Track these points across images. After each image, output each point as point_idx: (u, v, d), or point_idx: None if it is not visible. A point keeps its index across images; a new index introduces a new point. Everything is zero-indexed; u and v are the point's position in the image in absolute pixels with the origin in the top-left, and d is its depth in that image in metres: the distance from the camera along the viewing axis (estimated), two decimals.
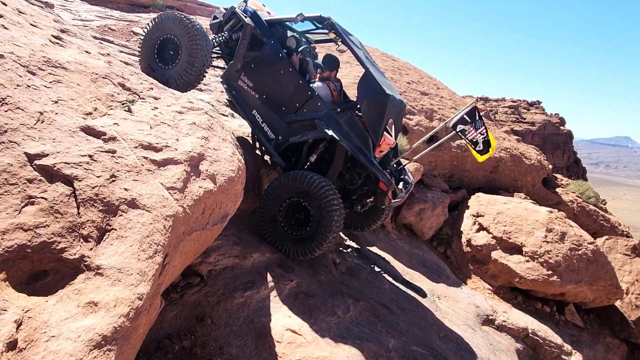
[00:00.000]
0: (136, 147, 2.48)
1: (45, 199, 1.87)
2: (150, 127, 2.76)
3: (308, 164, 4.97)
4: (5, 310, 1.52)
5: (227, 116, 6.52)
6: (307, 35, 5.88)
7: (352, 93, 5.72)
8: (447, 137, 5.49)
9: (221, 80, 5.35)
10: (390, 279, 5.77)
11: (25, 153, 1.95)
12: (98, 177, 2.10)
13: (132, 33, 9.66)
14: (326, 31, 5.20)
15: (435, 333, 5.03)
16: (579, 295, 7.86)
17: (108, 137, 2.38)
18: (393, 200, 4.87)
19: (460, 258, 8.20)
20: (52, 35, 3.04)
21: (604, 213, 10.97)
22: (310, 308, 4.08)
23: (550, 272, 7.46)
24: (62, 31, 3.33)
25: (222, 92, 7.20)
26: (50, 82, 2.47)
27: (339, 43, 5.40)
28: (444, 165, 9.67)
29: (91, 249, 1.87)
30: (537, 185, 10.86)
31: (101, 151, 2.25)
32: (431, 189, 8.81)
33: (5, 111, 2.04)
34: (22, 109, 2.12)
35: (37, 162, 1.96)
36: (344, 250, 5.78)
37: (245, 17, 5.06)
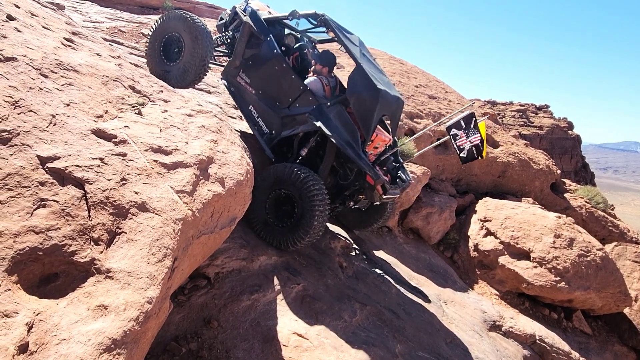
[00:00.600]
0: (146, 150, 2.49)
1: (57, 201, 1.88)
2: (160, 130, 2.77)
3: (300, 158, 5.01)
4: (17, 312, 1.53)
5: (235, 118, 6.54)
6: (309, 35, 5.93)
7: None
8: (447, 138, 5.55)
9: (221, 76, 5.50)
10: (396, 283, 5.75)
11: (38, 156, 1.97)
12: (109, 180, 2.11)
13: (141, 35, 9.72)
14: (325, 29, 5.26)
15: (442, 338, 5.00)
16: (587, 302, 7.78)
17: (119, 140, 2.39)
18: (384, 196, 4.85)
19: (467, 263, 8.15)
20: (64, 38, 3.06)
21: (612, 219, 10.86)
22: (317, 312, 4.07)
23: (558, 278, 7.39)
24: (74, 34, 3.36)
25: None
26: (62, 85, 2.49)
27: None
28: (451, 169, 9.63)
29: (101, 252, 1.88)
30: (546, 190, 10.78)
31: (112, 154, 2.26)
32: (438, 193, 8.78)
33: (18, 114, 2.06)
34: (35, 112, 2.14)
35: (49, 164, 1.97)
36: (351, 254, 5.77)
37: (244, 15, 5.20)
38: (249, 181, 3.32)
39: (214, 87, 7.49)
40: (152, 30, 5.22)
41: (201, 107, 3.57)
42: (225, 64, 5.51)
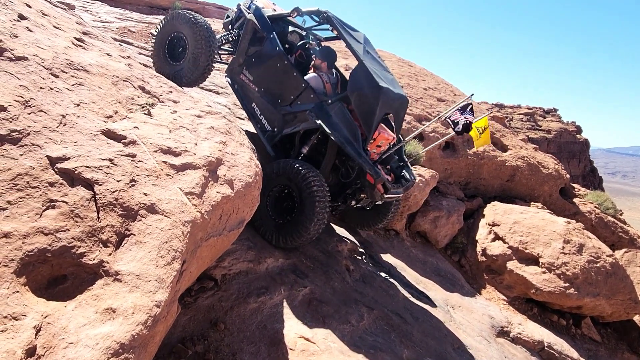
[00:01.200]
0: (155, 151, 2.47)
1: (66, 202, 1.87)
2: (170, 131, 2.75)
3: (301, 155, 5.00)
4: (25, 315, 1.51)
5: (243, 119, 6.52)
6: (315, 32, 5.91)
7: None
8: (452, 134, 5.59)
9: (225, 74, 5.52)
10: (403, 287, 5.70)
11: (47, 156, 1.95)
12: (118, 181, 2.09)
13: (151, 35, 9.75)
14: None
15: (449, 344, 4.95)
16: (597, 308, 7.67)
17: (128, 141, 2.38)
18: (386, 195, 4.80)
19: (474, 267, 8.08)
20: (75, 38, 3.06)
21: (622, 224, 10.73)
22: (324, 315, 4.04)
23: (567, 284, 7.30)
24: (84, 33, 3.36)
25: None
26: (73, 85, 2.48)
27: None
28: (459, 172, 9.56)
29: (110, 254, 1.86)
30: (555, 195, 10.67)
31: (121, 155, 2.25)
32: (446, 197, 8.71)
33: (29, 114, 2.05)
34: (45, 112, 2.13)
35: (58, 165, 1.96)
36: (358, 257, 5.73)
37: (248, 13, 5.23)
38: (257, 183, 3.29)
39: (222, 87, 7.49)
40: (156, 30, 5.29)
41: (210, 108, 3.55)
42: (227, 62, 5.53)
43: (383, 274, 5.72)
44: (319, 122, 4.65)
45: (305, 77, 5.00)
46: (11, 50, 2.28)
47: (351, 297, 4.61)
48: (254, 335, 3.43)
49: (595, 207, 10.74)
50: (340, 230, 6.12)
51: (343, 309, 4.28)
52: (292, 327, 3.68)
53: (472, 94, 5.75)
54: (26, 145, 1.93)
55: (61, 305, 1.65)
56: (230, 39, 5.58)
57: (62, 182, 1.92)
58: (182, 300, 3.35)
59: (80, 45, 3.00)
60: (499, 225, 8.28)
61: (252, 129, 6.10)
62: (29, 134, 1.97)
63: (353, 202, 5.23)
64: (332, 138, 4.62)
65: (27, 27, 2.62)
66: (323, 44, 6.08)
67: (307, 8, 5.12)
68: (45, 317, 1.55)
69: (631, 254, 9.37)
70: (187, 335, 3.18)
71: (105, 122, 2.42)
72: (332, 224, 6.11)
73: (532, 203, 9.91)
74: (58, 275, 1.74)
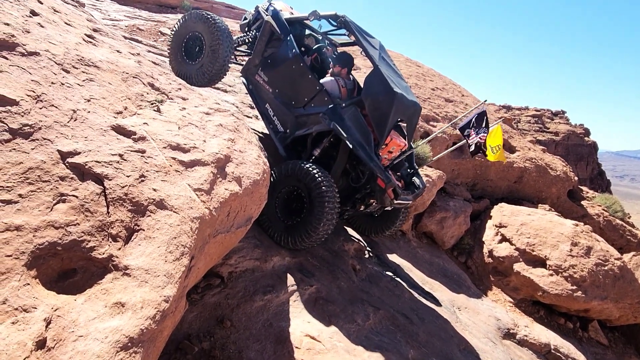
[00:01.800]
0: (165, 148, 2.48)
1: (77, 197, 1.88)
2: (179, 128, 2.76)
3: (312, 158, 5.00)
4: (36, 307, 1.52)
5: (251, 118, 6.53)
6: (331, 37, 5.93)
7: None
8: (464, 142, 5.52)
9: (240, 74, 5.56)
10: (409, 288, 5.68)
11: (58, 151, 1.97)
12: (128, 176, 2.10)
13: (159, 33, 9.79)
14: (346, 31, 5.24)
15: (455, 345, 4.92)
16: (604, 312, 7.61)
17: (138, 137, 2.39)
18: (395, 201, 4.78)
19: (481, 269, 8.03)
20: (86, 34, 3.08)
21: (630, 228, 10.63)
22: (330, 314, 4.03)
23: (574, 287, 7.24)
24: (95, 30, 3.37)
25: (247, 93, 7.23)
26: (84, 81, 2.49)
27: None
28: (467, 173, 9.51)
29: (119, 249, 1.86)
30: (562, 197, 10.59)
31: (131, 150, 2.25)
32: (453, 198, 8.67)
33: (40, 108, 2.06)
34: (56, 107, 2.14)
35: (69, 159, 1.97)
36: (364, 257, 5.72)
37: (266, 15, 5.26)
38: (265, 181, 3.29)
39: (230, 86, 7.51)
40: (174, 29, 5.34)
41: (219, 105, 3.56)
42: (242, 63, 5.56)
43: (389, 274, 5.70)
44: (332, 124, 4.65)
45: (322, 81, 5.00)
46: (23, 45, 2.30)
47: (357, 296, 4.60)
48: (260, 333, 3.44)
49: (603, 209, 10.64)
50: (347, 230, 6.11)
51: (349, 308, 4.27)
52: (298, 326, 3.68)
53: (486, 100, 5.69)
54: (37, 139, 1.94)
55: (71, 298, 1.66)
56: (247, 40, 5.61)
57: (73, 176, 1.93)
58: (189, 297, 3.36)
59: (90, 42, 3.02)
60: (506, 226, 8.23)
61: (259, 128, 6.11)
62: (40, 128, 1.98)
63: (362, 207, 5.22)
64: (345, 141, 4.60)
65: (38, 23, 2.64)
66: (339, 49, 6.09)
67: (325, 12, 5.12)
68: (55, 310, 1.56)
69: (639, 258, 9.27)
70: (194, 331, 3.19)
71: (115, 117, 2.43)
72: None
73: (540, 205, 9.84)
74: (68, 268, 1.75)
